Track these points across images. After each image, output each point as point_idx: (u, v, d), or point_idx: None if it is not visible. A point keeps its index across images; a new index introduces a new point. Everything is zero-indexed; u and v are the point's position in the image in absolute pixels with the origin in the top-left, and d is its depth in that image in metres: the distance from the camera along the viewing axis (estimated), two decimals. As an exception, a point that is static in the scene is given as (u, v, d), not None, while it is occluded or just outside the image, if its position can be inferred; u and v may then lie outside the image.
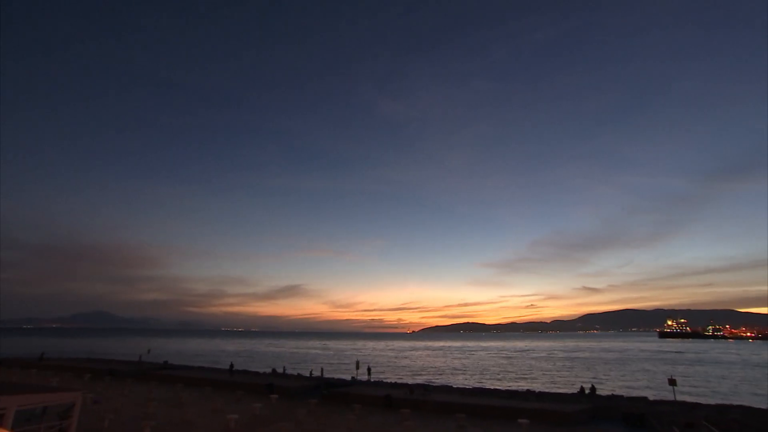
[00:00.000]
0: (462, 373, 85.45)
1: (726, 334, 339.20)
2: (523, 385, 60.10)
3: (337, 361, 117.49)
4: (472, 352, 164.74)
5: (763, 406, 34.80)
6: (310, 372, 57.16)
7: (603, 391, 46.82)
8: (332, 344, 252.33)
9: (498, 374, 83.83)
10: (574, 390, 44.90)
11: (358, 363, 50.29)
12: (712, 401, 39.07)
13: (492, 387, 49.63)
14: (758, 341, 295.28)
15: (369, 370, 54.20)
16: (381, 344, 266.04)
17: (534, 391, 40.76)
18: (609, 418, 28.47)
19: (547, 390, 51.13)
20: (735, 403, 39.17)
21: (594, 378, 72.15)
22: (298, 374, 56.86)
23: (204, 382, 43.46)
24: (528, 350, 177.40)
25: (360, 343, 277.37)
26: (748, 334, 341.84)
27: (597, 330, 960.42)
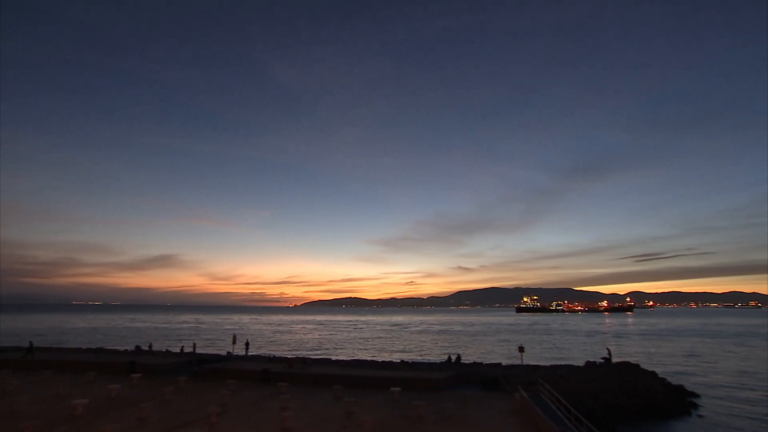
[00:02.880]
0: (342, 347, 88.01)
1: (564, 309, 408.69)
2: (398, 357, 64.31)
3: (213, 336, 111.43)
4: (353, 326, 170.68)
5: (581, 364, 42.73)
6: (181, 348, 53.04)
7: (467, 359, 52.47)
8: (208, 318, 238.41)
9: (376, 347, 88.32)
10: (443, 359, 49.43)
11: (234, 337, 48.02)
12: (547, 363, 46.76)
13: (369, 359, 51.99)
14: (585, 314, 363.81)
15: (247, 344, 52.29)
16: (261, 318, 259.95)
17: (407, 362, 43.79)
18: (470, 383, 32.01)
19: (419, 360, 55.48)
20: (563, 363, 48.45)
21: (461, 348, 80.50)
22: (167, 351, 52.43)
23: (45, 364, 37.26)
24: (405, 324, 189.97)
25: (239, 317, 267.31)
26: (579, 308, 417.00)
27: (467, 306, 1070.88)
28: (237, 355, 46.13)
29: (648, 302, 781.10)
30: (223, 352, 54.12)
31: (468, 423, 20.70)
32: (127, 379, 31.08)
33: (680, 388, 39.64)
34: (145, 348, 53.23)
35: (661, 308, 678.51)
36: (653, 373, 40.12)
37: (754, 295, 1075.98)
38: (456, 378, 32.32)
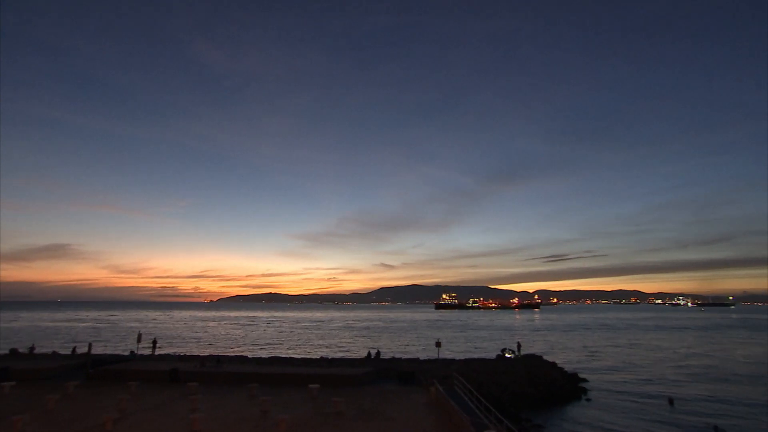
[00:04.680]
0: (260, 344, 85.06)
1: (480, 306, 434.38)
2: (318, 353, 63.60)
3: (115, 335, 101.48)
4: (272, 323, 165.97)
5: (492, 357, 45.74)
6: (73, 349, 47.50)
7: (387, 354, 53.29)
8: (110, 315, 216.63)
9: (296, 344, 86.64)
10: (363, 355, 49.77)
11: (140, 335, 43.90)
12: (462, 357, 49.26)
13: (288, 356, 50.76)
14: (498, 310, 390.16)
15: (154, 343, 48.20)
16: (173, 314, 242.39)
17: (327, 358, 43.47)
18: (388, 378, 32.58)
19: (340, 356, 55.33)
20: (476, 356, 51.49)
21: (381, 344, 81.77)
22: (54, 353, 46.46)
23: None
24: (327, 320, 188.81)
25: (147, 314, 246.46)
26: (493, 305, 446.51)
27: (388, 302, 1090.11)
28: (142, 355, 42.34)
29: (553, 299, 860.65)
30: (126, 353, 49.38)
31: (385, 417, 20.98)
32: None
33: (574, 376, 44.51)
34: (24, 351, 46.52)
35: (563, 305, 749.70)
36: (554, 363, 44.24)
37: (635, 293, 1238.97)
38: (374, 373, 32.71)
